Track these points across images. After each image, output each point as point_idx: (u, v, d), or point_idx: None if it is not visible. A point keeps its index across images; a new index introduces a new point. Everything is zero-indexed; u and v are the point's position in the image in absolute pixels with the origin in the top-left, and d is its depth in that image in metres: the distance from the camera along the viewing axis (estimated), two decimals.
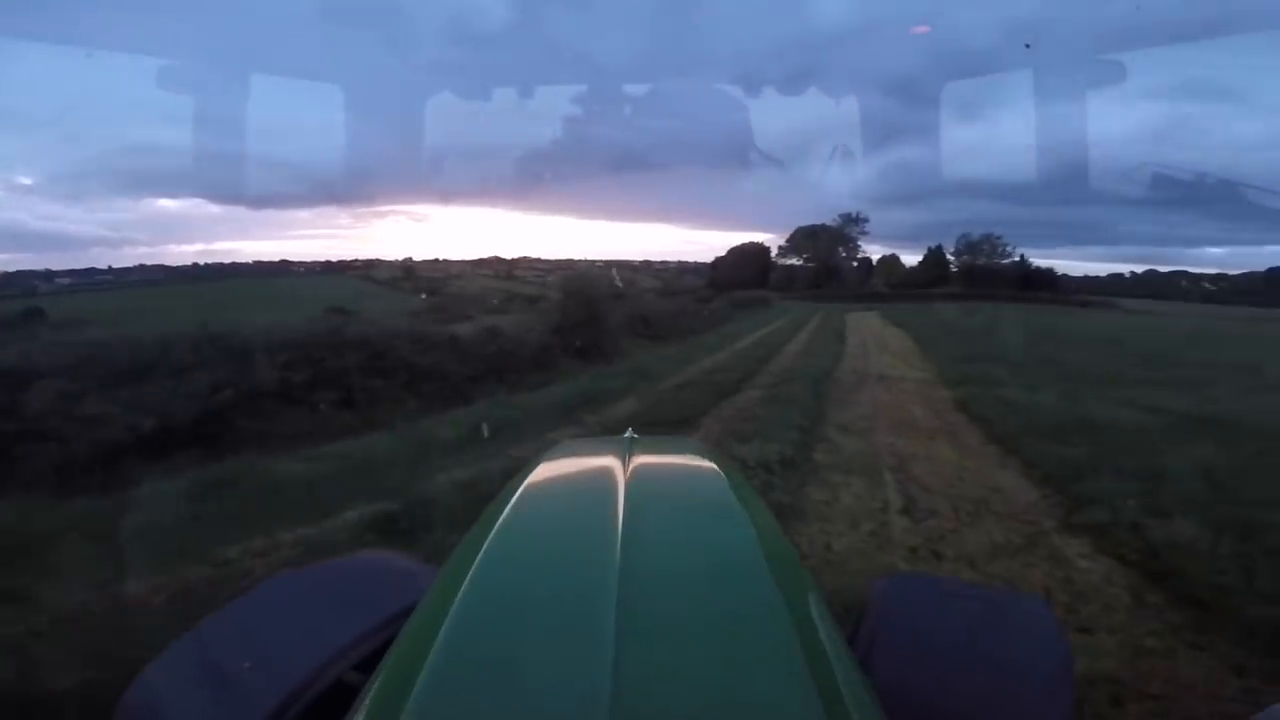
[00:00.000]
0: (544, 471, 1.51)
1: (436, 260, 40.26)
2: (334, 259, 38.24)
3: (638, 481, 1.27)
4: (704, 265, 50.09)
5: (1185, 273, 44.10)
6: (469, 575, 0.96)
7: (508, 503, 1.22)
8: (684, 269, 50.71)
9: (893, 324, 23.24)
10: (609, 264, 44.42)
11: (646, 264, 47.71)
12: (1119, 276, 45.50)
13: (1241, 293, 40.89)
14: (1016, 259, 46.22)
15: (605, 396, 10.05)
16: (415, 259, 39.59)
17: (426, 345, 10.25)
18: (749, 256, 55.60)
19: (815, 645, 0.84)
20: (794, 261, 52.07)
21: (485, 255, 42.05)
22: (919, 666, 1.24)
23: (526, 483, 1.37)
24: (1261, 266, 42.10)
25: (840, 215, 49.75)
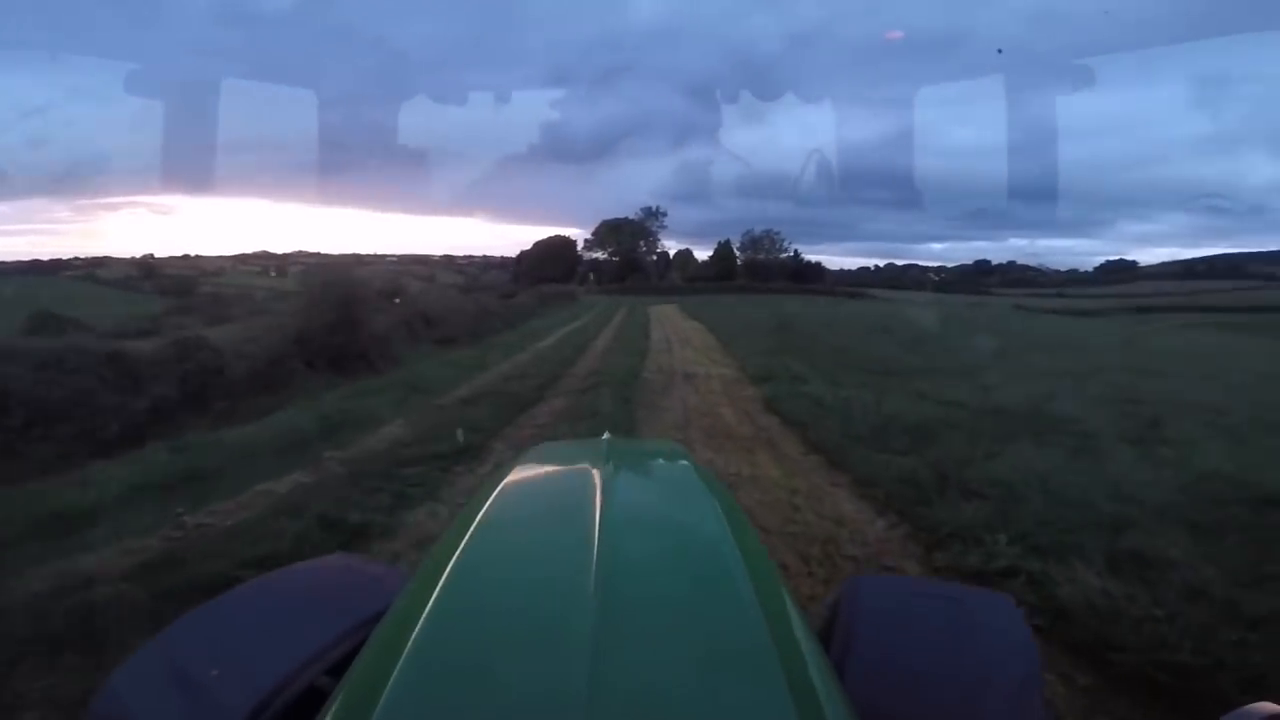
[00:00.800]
0: (520, 474, 1.50)
1: (187, 257, 37.06)
2: (46, 258, 32.71)
3: (615, 484, 1.25)
4: (512, 260, 48.42)
5: (916, 265, 52.47)
6: (442, 578, 0.93)
7: (483, 506, 1.20)
8: (490, 264, 50.09)
9: (691, 317, 23.46)
10: (405, 259, 44.71)
11: (449, 259, 47.49)
12: (866, 269, 53.01)
13: (957, 282, 49.15)
14: (791, 254, 51.57)
15: (360, 421, 7.66)
16: (159, 255, 35.94)
17: (66, 370, 6.86)
18: (555, 250, 54.14)
19: (790, 649, 0.83)
20: (599, 255, 51.99)
21: (252, 250, 38.69)
22: (890, 667, 1.19)
23: (502, 485, 1.36)
24: (970, 259, 52.24)
25: (642, 209, 50.69)
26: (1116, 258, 47.65)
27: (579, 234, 50.79)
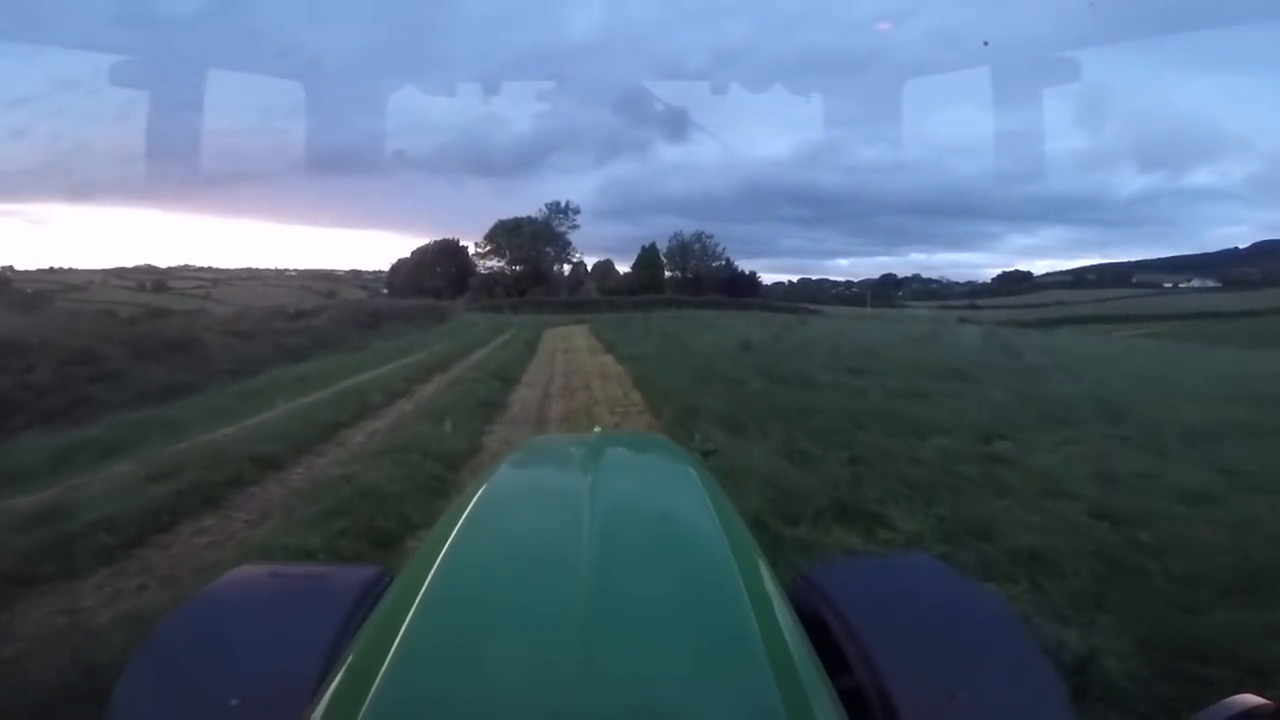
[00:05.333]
0: (511, 466, 1.51)
1: (53, 269, 34.84)
2: None
3: (606, 476, 1.27)
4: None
5: (828, 280, 52.11)
6: (433, 569, 0.92)
7: (473, 497, 1.20)
8: None
9: (605, 347, 14.69)
10: (306, 274, 41.80)
11: (355, 274, 44.26)
12: (781, 283, 50.11)
13: (875, 295, 46.97)
14: (725, 262, 43.95)
15: None
16: (20, 268, 34.13)
17: None
18: (439, 258, 43.67)
19: (776, 639, 0.82)
20: (497, 264, 42.17)
21: (133, 264, 37.06)
22: (879, 648, 1.07)
23: (493, 477, 1.36)
24: (875, 273, 52.60)
25: (547, 205, 41.23)
26: (1012, 269, 49.37)
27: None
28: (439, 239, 42.14)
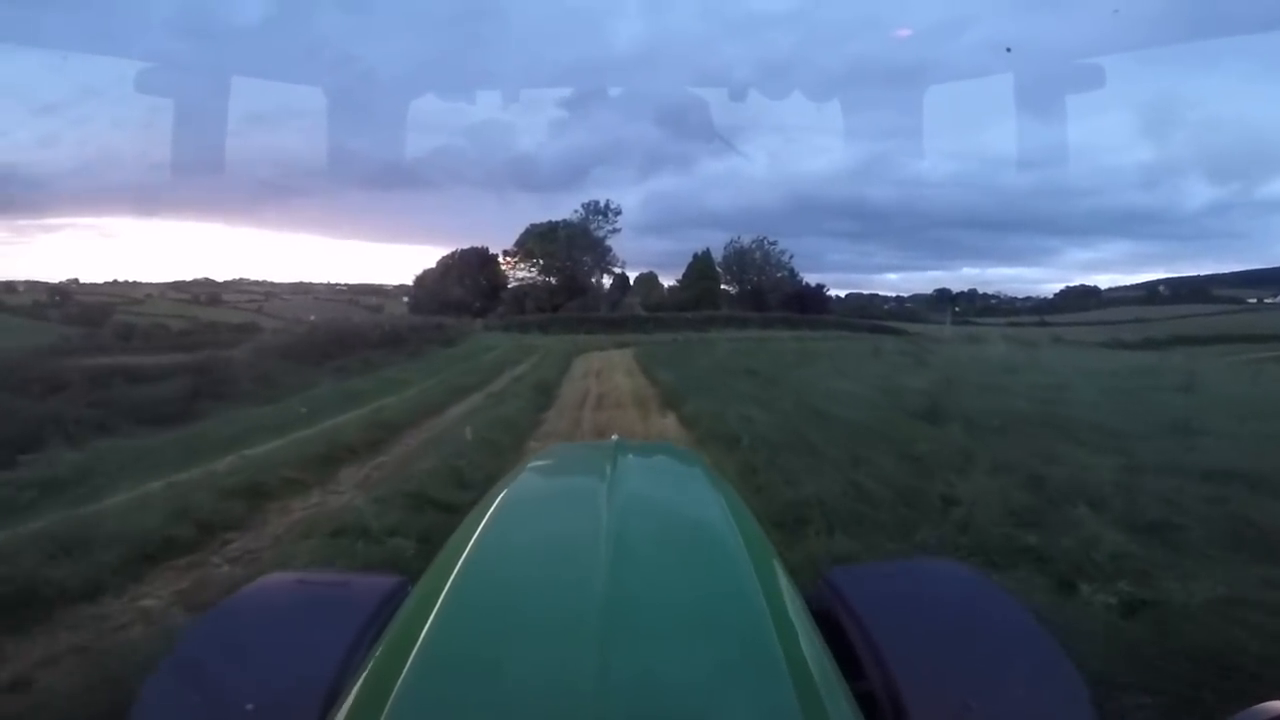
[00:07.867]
0: (530, 474, 1.52)
1: (115, 282, 35.74)
2: None
3: (623, 484, 1.24)
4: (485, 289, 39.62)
5: (878, 294, 48.43)
6: (452, 575, 0.92)
7: (491, 505, 1.19)
8: None
9: (662, 396, 9.27)
10: (357, 288, 41.43)
11: (402, 288, 43.21)
12: (830, 299, 46.12)
13: (920, 309, 45.17)
14: (789, 273, 37.88)
15: None
16: (86, 280, 34.69)
17: None
18: (466, 268, 39.32)
19: (795, 647, 0.81)
20: (528, 274, 37.34)
21: (192, 277, 38.05)
22: (904, 655, 1.05)
23: (512, 485, 1.36)
24: (926, 288, 49.64)
25: (584, 205, 36.03)
26: (1076, 284, 47.06)
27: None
28: (464, 247, 37.62)
